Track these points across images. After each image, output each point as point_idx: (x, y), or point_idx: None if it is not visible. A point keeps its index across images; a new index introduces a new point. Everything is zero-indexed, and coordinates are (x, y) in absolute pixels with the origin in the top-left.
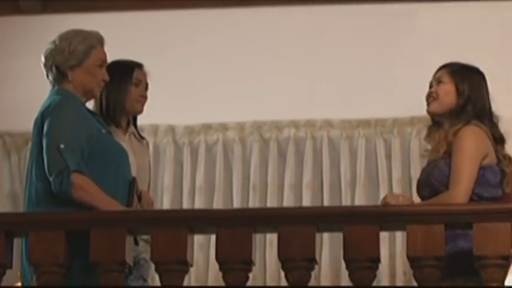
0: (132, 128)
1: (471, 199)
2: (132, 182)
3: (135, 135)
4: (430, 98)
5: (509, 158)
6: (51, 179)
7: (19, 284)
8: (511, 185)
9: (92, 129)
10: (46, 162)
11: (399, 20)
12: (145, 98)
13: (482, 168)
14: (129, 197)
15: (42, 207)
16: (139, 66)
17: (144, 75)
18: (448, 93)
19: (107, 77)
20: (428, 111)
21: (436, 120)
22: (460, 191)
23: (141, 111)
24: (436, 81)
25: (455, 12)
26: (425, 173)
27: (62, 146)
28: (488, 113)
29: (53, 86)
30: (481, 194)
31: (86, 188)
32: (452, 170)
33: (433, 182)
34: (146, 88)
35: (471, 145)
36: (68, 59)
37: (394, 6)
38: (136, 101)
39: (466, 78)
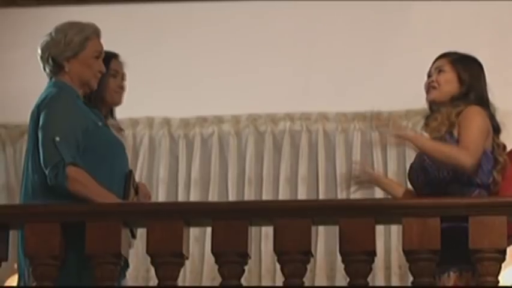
0: (111, 120)
1: (462, 182)
2: (129, 174)
3: (113, 127)
4: (430, 86)
5: (504, 146)
6: (46, 172)
7: (15, 276)
8: (503, 174)
9: (87, 121)
10: (42, 154)
11: (394, 14)
12: (123, 88)
13: None
14: (125, 189)
15: (38, 200)
16: (115, 56)
17: (121, 65)
18: (449, 82)
19: (103, 68)
20: (428, 100)
21: (434, 110)
22: (472, 149)
23: (120, 102)
24: (437, 70)
25: (450, 6)
26: (419, 157)
27: (57, 138)
28: (486, 103)
29: (50, 78)
30: (473, 178)
31: (81, 181)
32: (463, 133)
33: (426, 165)
34: (123, 78)
35: (481, 120)
36: (64, 50)
37: (389, 0)
38: (115, 92)
39: (467, 67)
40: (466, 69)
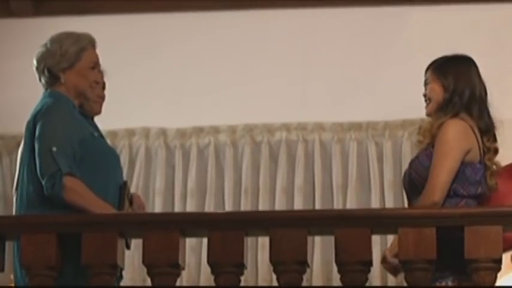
0: None
1: (448, 195)
2: (123, 185)
3: None
4: (425, 101)
5: (495, 149)
6: (43, 182)
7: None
8: (496, 178)
9: (84, 132)
10: (38, 164)
11: (390, 23)
12: (103, 98)
13: (462, 164)
14: (120, 200)
15: (33, 210)
16: None
17: (101, 74)
18: (435, 92)
19: (99, 79)
20: (426, 115)
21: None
22: (434, 187)
23: (99, 112)
24: (425, 84)
25: (447, 15)
26: (408, 166)
27: (54, 148)
28: (478, 99)
29: (46, 89)
30: (457, 190)
31: (77, 191)
32: (432, 164)
33: (412, 173)
34: (103, 88)
35: (453, 140)
36: (59, 61)
37: (386, 9)
38: (94, 101)
39: (449, 71)
40: (448, 74)
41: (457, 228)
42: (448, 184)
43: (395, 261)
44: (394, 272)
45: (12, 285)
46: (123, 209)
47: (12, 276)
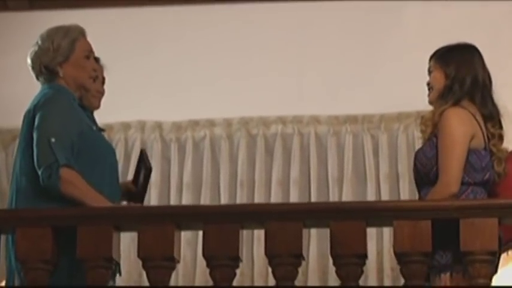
0: None
1: None
2: (141, 152)
3: None
4: (428, 90)
5: (499, 135)
6: (39, 172)
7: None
8: (503, 164)
9: (83, 125)
10: (36, 155)
11: (386, 16)
12: (102, 93)
13: (467, 151)
14: (136, 169)
15: (25, 201)
16: (96, 60)
17: (101, 69)
18: (437, 80)
19: (96, 66)
20: (428, 103)
21: None
22: (450, 177)
23: (98, 107)
24: (428, 72)
25: (442, 8)
26: (414, 158)
27: (52, 139)
28: (481, 87)
29: (44, 84)
30: (462, 178)
31: (74, 183)
32: (440, 156)
33: (417, 164)
34: (103, 83)
35: (456, 128)
36: (54, 56)
37: (381, 2)
38: (93, 96)
39: (451, 59)
40: (450, 62)
41: (453, 220)
42: (461, 173)
43: None
44: None
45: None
46: (137, 180)
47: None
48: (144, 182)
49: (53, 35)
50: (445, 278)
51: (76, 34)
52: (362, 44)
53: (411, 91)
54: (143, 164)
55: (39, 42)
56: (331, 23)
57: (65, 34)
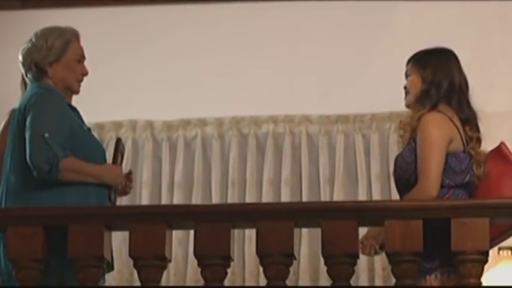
0: None
1: None
2: (118, 141)
3: None
4: (405, 93)
5: (477, 138)
6: (36, 168)
7: None
8: (483, 166)
9: (74, 124)
10: (29, 151)
11: (377, 15)
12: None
13: (446, 155)
14: (114, 155)
15: (15, 199)
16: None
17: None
18: (414, 84)
19: (86, 71)
20: (405, 106)
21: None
22: (429, 182)
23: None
24: (405, 76)
25: (433, 8)
26: (394, 163)
27: (46, 135)
28: (458, 91)
29: (32, 83)
30: (443, 181)
31: (73, 169)
32: (419, 160)
33: (397, 169)
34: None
35: (434, 132)
36: (46, 55)
37: (372, 2)
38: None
39: (428, 63)
40: (427, 66)
41: (444, 220)
42: (440, 177)
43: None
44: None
45: None
46: (116, 163)
47: None
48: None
49: (48, 34)
50: (431, 280)
51: (70, 36)
52: (353, 43)
53: (402, 91)
54: (119, 154)
55: (33, 39)
56: (323, 23)
57: (60, 35)
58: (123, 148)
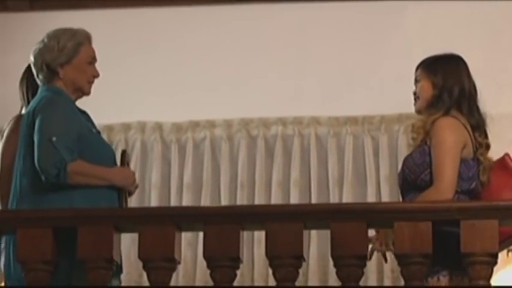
0: None
1: None
2: (123, 153)
3: None
4: (414, 99)
5: (486, 144)
6: (44, 171)
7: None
8: (487, 173)
9: (82, 127)
10: (37, 155)
11: (386, 17)
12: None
13: None
14: (122, 160)
15: (26, 202)
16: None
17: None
18: (424, 89)
19: (97, 73)
20: (415, 112)
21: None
22: (445, 184)
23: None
24: (415, 81)
25: (443, 9)
26: (402, 163)
27: (54, 138)
28: (468, 97)
29: (43, 85)
30: None
31: (81, 173)
32: (434, 164)
33: (405, 170)
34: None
35: (450, 136)
36: (57, 56)
37: (381, 3)
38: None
39: (438, 69)
40: (437, 71)
41: (452, 222)
42: (455, 181)
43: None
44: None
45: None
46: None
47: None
48: None
49: (60, 35)
50: (433, 282)
51: (82, 38)
52: (362, 44)
53: (411, 92)
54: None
55: (45, 40)
56: (331, 24)
57: (72, 36)
58: (129, 158)
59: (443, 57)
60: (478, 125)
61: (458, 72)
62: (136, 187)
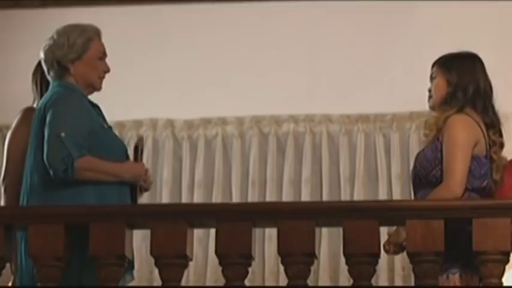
0: None
1: None
2: (136, 147)
3: None
4: (429, 96)
5: (500, 143)
6: (51, 167)
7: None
8: (501, 172)
9: (94, 122)
10: (46, 151)
11: (398, 16)
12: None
13: None
14: (136, 154)
15: (36, 198)
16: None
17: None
18: (439, 87)
19: (108, 69)
20: (429, 108)
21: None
22: (455, 180)
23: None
24: (430, 78)
25: (455, 8)
26: (414, 159)
27: (62, 134)
28: (483, 95)
29: (54, 80)
30: None
31: (90, 168)
32: (445, 160)
33: (416, 166)
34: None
35: (461, 134)
36: (68, 52)
37: (393, 2)
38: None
39: (453, 67)
40: (452, 69)
41: (463, 220)
42: (466, 177)
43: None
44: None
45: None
46: (137, 160)
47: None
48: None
49: (70, 32)
50: (442, 280)
51: (92, 34)
52: (374, 42)
53: (423, 91)
54: (139, 150)
55: (55, 36)
56: (343, 22)
57: (81, 32)
58: (143, 145)
59: (459, 55)
60: (492, 124)
61: (474, 70)
62: (151, 183)
